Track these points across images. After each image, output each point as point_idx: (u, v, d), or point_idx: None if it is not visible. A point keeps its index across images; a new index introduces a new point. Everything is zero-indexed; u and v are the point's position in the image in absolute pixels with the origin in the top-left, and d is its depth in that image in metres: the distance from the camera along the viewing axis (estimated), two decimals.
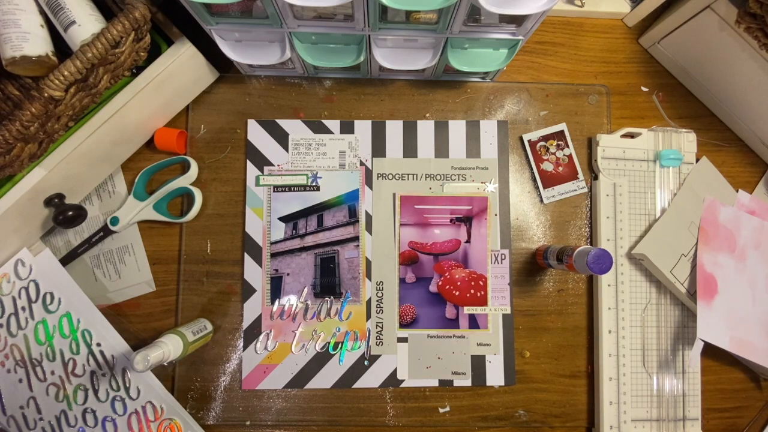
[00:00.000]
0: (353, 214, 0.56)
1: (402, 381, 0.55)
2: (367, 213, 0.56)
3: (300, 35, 0.47)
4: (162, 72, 0.48)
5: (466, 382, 0.55)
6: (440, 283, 0.56)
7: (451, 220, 0.56)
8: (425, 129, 0.57)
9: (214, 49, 0.48)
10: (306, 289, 0.55)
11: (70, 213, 0.49)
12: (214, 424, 0.54)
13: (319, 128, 0.57)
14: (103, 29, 0.40)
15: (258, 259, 0.55)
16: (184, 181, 0.55)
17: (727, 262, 0.55)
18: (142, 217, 0.55)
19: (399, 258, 0.56)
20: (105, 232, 0.54)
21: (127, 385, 0.52)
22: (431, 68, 0.53)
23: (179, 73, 0.50)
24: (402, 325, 0.55)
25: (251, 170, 0.56)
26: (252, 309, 0.55)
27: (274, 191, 0.56)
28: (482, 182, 0.57)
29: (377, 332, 0.55)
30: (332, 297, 0.55)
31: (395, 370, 0.55)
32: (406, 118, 0.58)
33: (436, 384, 0.55)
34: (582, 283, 0.57)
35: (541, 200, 0.57)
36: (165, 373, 0.54)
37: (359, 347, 0.55)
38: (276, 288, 0.55)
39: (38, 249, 0.53)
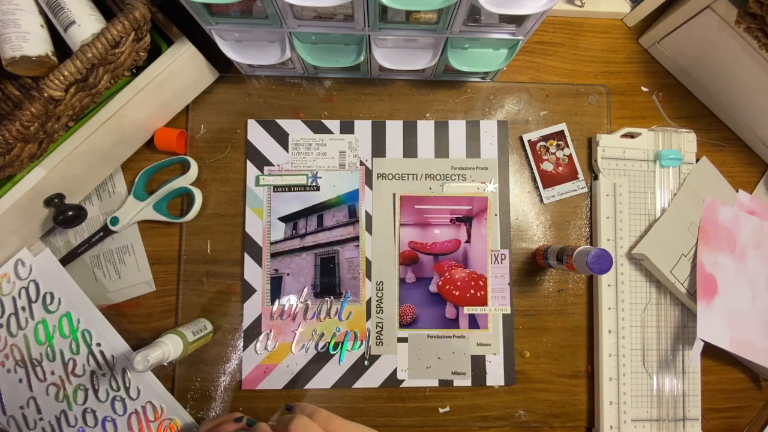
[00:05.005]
0: (353, 214, 0.56)
1: (402, 381, 0.55)
2: (367, 213, 0.56)
3: (300, 35, 0.47)
4: (162, 72, 0.48)
5: (466, 382, 0.55)
6: (440, 283, 0.55)
7: (451, 220, 0.56)
8: (425, 129, 0.57)
9: (214, 49, 0.48)
10: (306, 289, 0.55)
11: (70, 213, 0.49)
12: None
13: (319, 128, 0.57)
14: (103, 29, 0.40)
15: (258, 259, 0.55)
16: (184, 181, 0.55)
17: (727, 262, 0.55)
18: (142, 217, 0.55)
19: (399, 258, 0.56)
20: (105, 232, 0.54)
21: (127, 385, 0.52)
22: (431, 68, 0.53)
23: (179, 73, 0.50)
24: (402, 325, 0.55)
25: (251, 170, 0.56)
26: (252, 309, 0.55)
27: (274, 191, 0.56)
28: (482, 182, 0.57)
29: (377, 332, 0.55)
30: (332, 297, 0.55)
31: (395, 370, 0.55)
32: (406, 118, 0.58)
33: (436, 384, 0.55)
34: (582, 283, 0.57)
35: (541, 200, 0.57)
36: (165, 373, 0.54)
37: (359, 347, 0.55)
38: (276, 288, 0.55)
39: (38, 249, 0.53)
